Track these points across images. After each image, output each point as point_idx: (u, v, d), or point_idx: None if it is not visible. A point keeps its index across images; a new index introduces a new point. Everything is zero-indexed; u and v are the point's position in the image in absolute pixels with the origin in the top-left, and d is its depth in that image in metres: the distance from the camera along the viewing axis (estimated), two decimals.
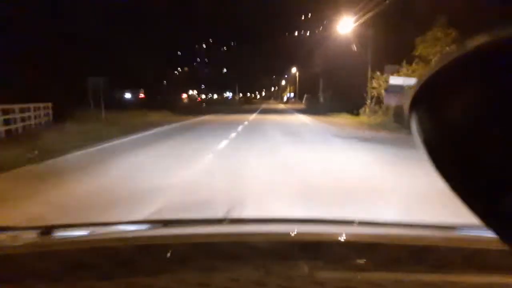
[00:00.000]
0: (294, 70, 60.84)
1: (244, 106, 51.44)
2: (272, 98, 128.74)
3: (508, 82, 0.27)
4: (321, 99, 37.42)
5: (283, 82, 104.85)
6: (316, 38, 48.19)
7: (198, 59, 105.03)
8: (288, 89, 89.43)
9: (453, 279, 0.77)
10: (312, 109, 32.08)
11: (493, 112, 0.28)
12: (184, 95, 59.89)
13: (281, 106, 53.83)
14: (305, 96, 55.01)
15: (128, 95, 37.06)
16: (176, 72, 69.08)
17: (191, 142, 10.80)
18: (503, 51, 0.27)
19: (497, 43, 0.26)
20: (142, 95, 41.51)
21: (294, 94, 63.61)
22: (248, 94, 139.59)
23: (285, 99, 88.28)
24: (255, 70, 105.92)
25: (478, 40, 0.27)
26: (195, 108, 36.84)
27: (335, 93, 30.64)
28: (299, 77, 58.70)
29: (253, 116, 23.91)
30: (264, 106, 52.52)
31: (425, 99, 0.33)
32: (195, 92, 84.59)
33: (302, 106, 46.45)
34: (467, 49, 0.28)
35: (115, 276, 0.77)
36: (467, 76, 0.30)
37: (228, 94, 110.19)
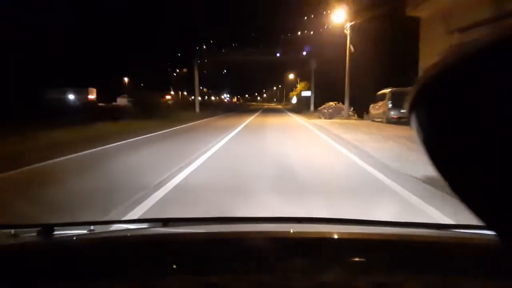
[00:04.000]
0: (342, 16, 22.59)
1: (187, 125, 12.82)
2: (275, 100, 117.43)
3: (507, 83, 0.27)
4: None
5: (291, 76, 70.41)
6: None
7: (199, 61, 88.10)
8: (299, 85, 53.73)
9: (453, 279, 0.78)
10: None
11: (492, 112, 0.28)
12: (168, 97, 55.46)
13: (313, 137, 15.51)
14: (391, 91, 17.66)
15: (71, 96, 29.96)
16: (174, 74, 67.59)
17: None
18: (503, 52, 0.26)
19: (496, 44, 0.26)
20: (92, 96, 34.37)
21: (340, 99, 25.35)
22: (247, 96, 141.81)
23: (294, 100, 58.00)
24: (255, 67, 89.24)
25: (478, 41, 0.27)
26: None
27: None
28: (349, 43, 21.14)
29: None
30: (250, 123, 15.07)
31: (425, 99, 0.33)
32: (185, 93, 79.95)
33: None
34: (467, 50, 0.28)
35: (115, 275, 0.79)
36: (466, 77, 0.29)
37: (226, 96, 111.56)
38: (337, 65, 26.04)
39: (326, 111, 23.32)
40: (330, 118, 22.20)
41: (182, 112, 30.21)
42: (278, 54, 36.85)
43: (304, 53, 37.12)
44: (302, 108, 40.03)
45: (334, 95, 25.07)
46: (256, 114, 32.90)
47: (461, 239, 1.01)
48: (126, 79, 58.06)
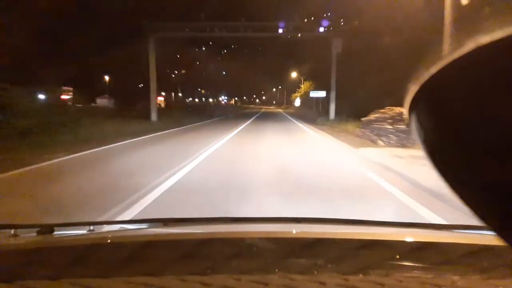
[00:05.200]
0: None
1: None
2: (274, 102, 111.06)
3: (507, 82, 0.27)
4: None
5: (294, 74, 58.86)
6: None
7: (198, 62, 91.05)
8: (303, 85, 43.69)
9: (453, 279, 0.78)
10: None
11: (492, 112, 0.28)
12: (160, 98, 50.30)
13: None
14: None
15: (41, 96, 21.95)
16: (173, 75, 65.58)
17: None
18: (503, 51, 0.27)
19: (496, 43, 0.26)
20: (66, 96, 28.67)
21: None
22: (245, 98, 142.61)
23: (297, 103, 48.75)
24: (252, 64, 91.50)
25: (478, 40, 0.27)
26: None
27: None
28: None
29: None
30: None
31: (424, 99, 0.33)
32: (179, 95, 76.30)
33: None
34: (467, 49, 0.28)
35: (116, 275, 0.79)
36: (466, 76, 0.29)
37: (224, 98, 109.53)
38: (388, 41, 13.91)
39: (389, 126, 10.42)
40: (402, 144, 9.72)
41: (135, 120, 18.50)
42: (280, 30, 23.09)
43: (321, 29, 23.29)
44: (312, 113, 27.65)
45: (375, 97, 13.04)
46: (248, 122, 21.72)
47: (461, 239, 1.02)
48: (107, 78, 51.44)
